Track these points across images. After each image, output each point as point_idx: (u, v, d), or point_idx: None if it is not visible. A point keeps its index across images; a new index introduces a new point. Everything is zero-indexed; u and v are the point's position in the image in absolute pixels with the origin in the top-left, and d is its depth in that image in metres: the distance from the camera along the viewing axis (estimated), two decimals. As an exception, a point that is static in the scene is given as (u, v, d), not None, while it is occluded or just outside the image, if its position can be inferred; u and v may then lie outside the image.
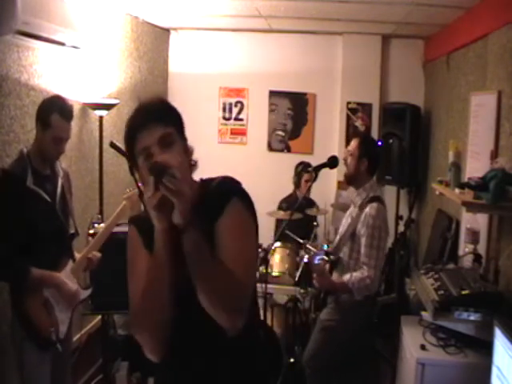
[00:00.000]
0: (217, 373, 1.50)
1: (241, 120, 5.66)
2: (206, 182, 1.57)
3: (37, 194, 2.45)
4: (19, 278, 2.41)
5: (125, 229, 3.44)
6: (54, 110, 2.49)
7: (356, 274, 3.03)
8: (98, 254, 2.79)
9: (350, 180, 3.21)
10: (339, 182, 5.06)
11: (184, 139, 1.49)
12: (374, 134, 5.18)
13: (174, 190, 1.27)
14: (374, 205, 3.05)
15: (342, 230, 3.30)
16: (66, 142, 2.58)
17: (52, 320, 2.50)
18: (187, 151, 1.49)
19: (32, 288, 2.43)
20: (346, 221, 3.30)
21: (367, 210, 3.05)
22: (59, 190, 2.61)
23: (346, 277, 3.06)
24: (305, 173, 4.77)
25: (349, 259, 3.15)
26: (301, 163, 4.85)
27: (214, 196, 1.50)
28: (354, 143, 3.20)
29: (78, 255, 2.75)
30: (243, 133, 5.66)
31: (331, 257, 3.24)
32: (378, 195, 3.17)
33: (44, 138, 2.49)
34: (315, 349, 3.22)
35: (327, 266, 3.21)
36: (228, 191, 1.51)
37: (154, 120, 1.41)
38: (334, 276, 3.21)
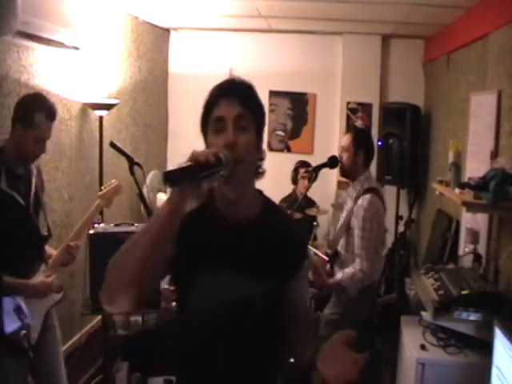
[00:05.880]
0: None
1: (241, 120, 5.65)
2: (269, 204, 1.51)
3: (10, 197, 2.35)
4: None
5: (124, 229, 3.47)
6: (39, 110, 2.40)
7: (347, 271, 3.03)
8: (79, 243, 2.68)
9: (346, 174, 3.23)
10: (339, 182, 5.06)
11: None
12: (374, 134, 5.17)
13: None
14: (367, 196, 3.05)
15: (339, 224, 3.31)
16: (46, 141, 2.48)
17: (23, 327, 2.37)
18: None
19: (3, 296, 2.29)
20: (343, 215, 3.31)
21: (359, 201, 3.06)
22: (33, 189, 2.51)
23: (339, 275, 3.05)
24: (301, 168, 4.79)
25: (345, 252, 3.15)
26: (299, 162, 4.87)
27: (286, 242, 1.46)
28: (347, 139, 3.18)
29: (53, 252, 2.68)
30: (243, 133, 5.65)
31: (328, 251, 3.24)
32: (374, 186, 3.15)
33: (25, 136, 2.38)
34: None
35: (328, 265, 3.21)
36: (302, 251, 1.53)
37: None
38: (335, 270, 3.19)
